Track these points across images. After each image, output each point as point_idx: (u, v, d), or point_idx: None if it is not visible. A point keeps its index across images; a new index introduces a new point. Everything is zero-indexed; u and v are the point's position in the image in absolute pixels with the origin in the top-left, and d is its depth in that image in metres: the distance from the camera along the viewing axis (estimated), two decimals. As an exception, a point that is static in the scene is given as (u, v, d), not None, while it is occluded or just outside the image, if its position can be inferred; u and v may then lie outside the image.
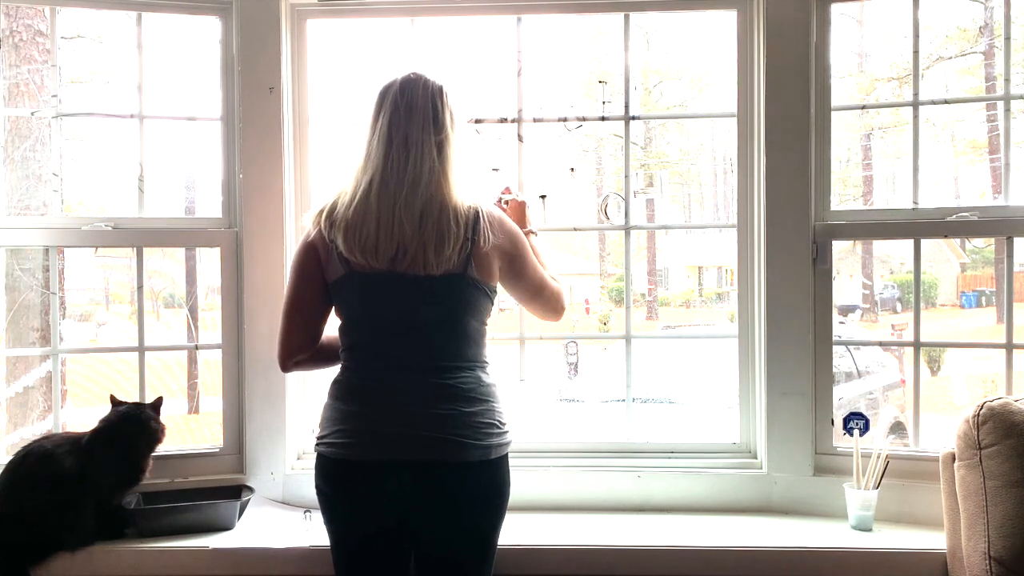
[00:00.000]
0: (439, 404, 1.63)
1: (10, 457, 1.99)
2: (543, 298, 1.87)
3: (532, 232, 2.00)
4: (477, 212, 1.69)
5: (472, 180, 1.75)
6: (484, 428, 1.65)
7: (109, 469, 1.99)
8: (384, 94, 1.73)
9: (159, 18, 2.36)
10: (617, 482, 2.22)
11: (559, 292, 1.89)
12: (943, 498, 1.90)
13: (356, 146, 1.75)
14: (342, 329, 1.75)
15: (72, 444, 1.99)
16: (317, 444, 1.70)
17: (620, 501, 2.21)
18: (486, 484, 1.66)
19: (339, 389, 1.72)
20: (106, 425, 2.03)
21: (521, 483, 2.21)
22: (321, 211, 1.71)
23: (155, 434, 2.04)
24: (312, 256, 1.71)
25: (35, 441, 2.02)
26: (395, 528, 1.66)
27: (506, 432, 1.70)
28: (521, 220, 1.99)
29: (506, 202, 2.03)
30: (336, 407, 1.69)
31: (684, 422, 5.06)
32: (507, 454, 1.70)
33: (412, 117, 1.69)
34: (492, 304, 1.76)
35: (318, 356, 1.79)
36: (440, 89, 1.73)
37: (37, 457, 1.95)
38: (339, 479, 1.66)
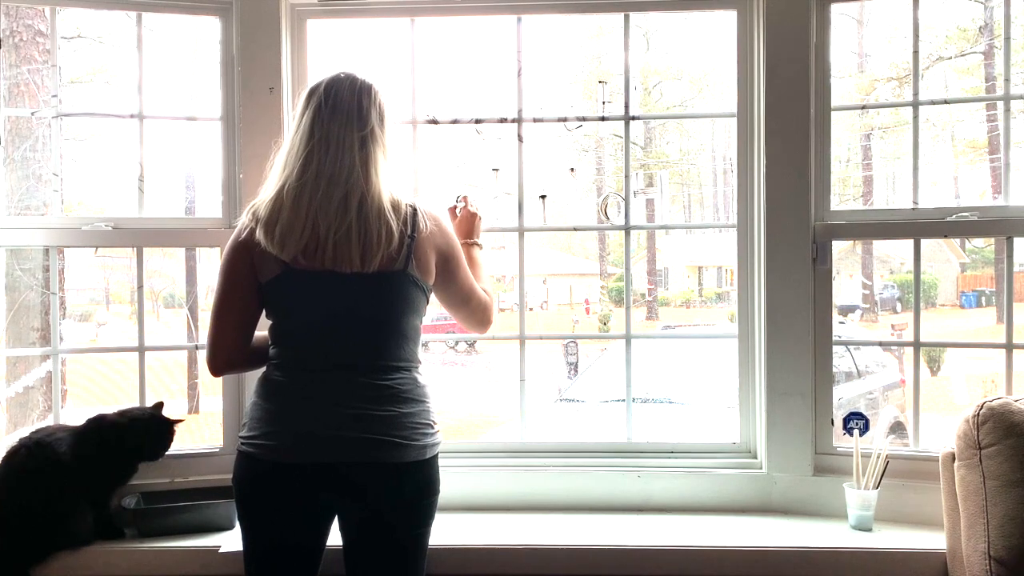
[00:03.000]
0: (376, 406, 1.62)
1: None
2: (470, 307, 1.85)
3: (478, 244, 2.03)
4: (415, 209, 1.69)
5: (406, 179, 1.70)
6: (421, 428, 1.65)
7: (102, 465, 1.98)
8: (311, 93, 1.71)
9: (159, 18, 2.36)
10: (617, 482, 2.22)
11: (488, 304, 1.88)
12: (943, 498, 1.90)
13: (281, 144, 1.73)
14: (273, 328, 1.72)
15: (66, 434, 1.98)
16: (242, 443, 1.65)
17: (620, 501, 2.21)
18: (421, 482, 1.66)
19: (267, 388, 1.68)
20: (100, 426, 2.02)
21: (522, 483, 2.23)
22: (251, 207, 1.70)
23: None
24: (243, 254, 1.68)
25: (26, 436, 2.00)
26: (311, 537, 1.67)
27: (438, 432, 1.71)
28: (469, 231, 2.02)
29: (460, 210, 2.05)
30: (264, 407, 1.65)
31: (684, 422, 5.05)
32: (439, 453, 1.70)
33: (335, 114, 1.66)
34: (428, 303, 1.75)
35: (252, 358, 1.76)
36: (368, 87, 1.70)
37: (28, 449, 1.94)
38: (264, 481, 1.63)
